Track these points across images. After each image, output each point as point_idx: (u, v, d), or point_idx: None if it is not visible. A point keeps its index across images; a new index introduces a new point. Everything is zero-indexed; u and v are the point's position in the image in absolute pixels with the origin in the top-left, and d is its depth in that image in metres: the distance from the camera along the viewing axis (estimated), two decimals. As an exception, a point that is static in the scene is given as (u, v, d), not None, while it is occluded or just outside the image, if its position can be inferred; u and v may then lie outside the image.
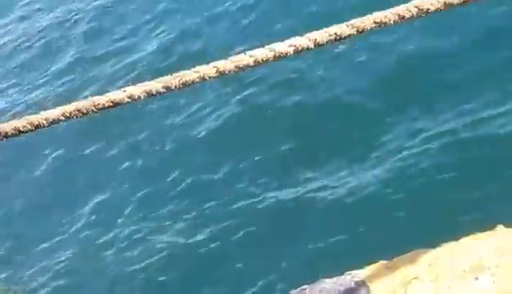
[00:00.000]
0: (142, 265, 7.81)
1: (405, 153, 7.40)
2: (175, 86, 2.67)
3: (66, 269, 8.32)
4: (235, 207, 7.80)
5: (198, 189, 8.39)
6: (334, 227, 6.95)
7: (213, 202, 8.05)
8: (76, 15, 13.11)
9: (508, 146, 6.95)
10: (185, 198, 8.33)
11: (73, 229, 8.72)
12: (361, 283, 4.12)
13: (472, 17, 8.69)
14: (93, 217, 8.82)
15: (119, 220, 8.51)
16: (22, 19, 14.00)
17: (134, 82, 2.75)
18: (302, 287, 4.42)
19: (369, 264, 4.26)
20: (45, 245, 8.78)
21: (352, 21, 2.54)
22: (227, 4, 11.07)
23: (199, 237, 7.65)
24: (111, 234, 8.37)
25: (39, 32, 13.23)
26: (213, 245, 7.51)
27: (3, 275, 8.69)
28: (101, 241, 8.40)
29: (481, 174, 6.78)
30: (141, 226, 8.33)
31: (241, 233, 7.44)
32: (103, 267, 8.03)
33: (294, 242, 7.03)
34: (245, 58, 2.64)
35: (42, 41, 12.93)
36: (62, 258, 8.47)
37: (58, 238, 8.76)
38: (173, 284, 7.38)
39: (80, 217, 8.86)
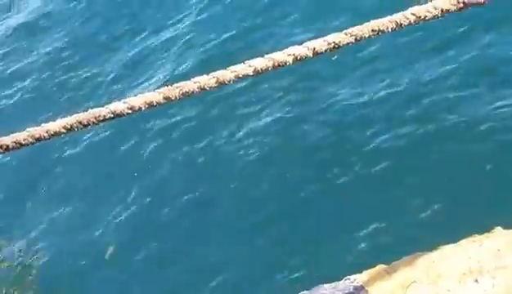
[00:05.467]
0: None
1: (398, 154, 7.41)
2: (175, 97, 2.70)
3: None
4: (228, 208, 7.75)
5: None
6: (331, 231, 6.93)
7: (205, 204, 7.96)
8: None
9: (505, 147, 6.95)
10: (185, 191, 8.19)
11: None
12: (360, 288, 4.14)
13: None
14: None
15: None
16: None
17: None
18: (300, 294, 4.43)
19: (367, 268, 4.27)
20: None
21: (350, 30, 2.56)
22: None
23: (195, 240, 7.61)
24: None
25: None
26: (208, 248, 7.47)
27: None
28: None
29: (479, 176, 6.77)
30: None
31: (236, 240, 7.39)
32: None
33: (290, 247, 7.00)
34: (245, 67, 2.66)
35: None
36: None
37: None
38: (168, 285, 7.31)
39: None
